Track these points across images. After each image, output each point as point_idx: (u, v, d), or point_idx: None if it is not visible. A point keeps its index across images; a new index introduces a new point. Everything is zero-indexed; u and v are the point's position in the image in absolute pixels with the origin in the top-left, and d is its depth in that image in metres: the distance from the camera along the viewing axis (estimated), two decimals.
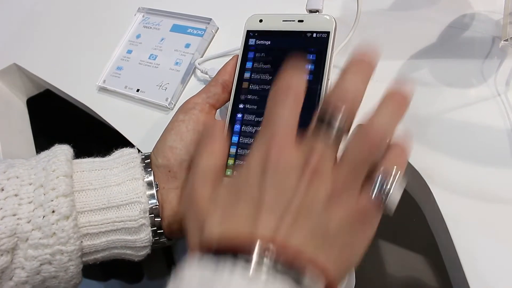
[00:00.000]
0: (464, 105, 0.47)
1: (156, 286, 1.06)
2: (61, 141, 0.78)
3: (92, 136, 0.79)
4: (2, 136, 0.67)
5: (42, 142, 0.75)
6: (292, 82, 0.33)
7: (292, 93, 0.32)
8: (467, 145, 0.45)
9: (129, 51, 0.61)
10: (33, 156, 0.72)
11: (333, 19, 0.41)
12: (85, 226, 0.37)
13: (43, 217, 0.35)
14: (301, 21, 0.42)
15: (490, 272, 0.39)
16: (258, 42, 0.43)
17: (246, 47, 0.44)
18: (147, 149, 0.52)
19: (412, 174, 0.45)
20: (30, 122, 0.75)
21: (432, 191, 0.43)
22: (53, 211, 0.35)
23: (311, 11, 0.43)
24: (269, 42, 0.43)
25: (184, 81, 0.56)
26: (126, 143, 0.55)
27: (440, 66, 0.49)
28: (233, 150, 0.41)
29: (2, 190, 0.36)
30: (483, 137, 0.45)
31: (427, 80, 0.49)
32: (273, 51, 0.42)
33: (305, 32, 0.41)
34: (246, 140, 0.41)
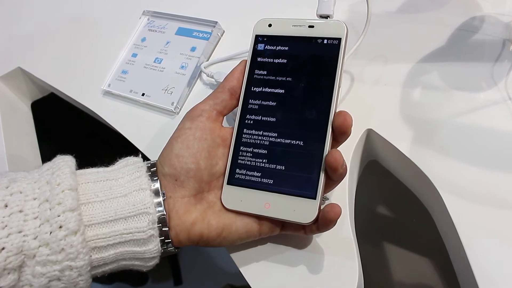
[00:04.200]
0: (474, 109, 0.46)
1: None
2: (65, 144, 0.78)
3: (97, 140, 0.79)
4: (7, 139, 0.67)
5: (47, 145, 0.75)
6: None
7: None
8: (477, 149, 0.44)
9: (134, 55, 0.61)
10: (38, 157, 0.73)
11: (344, 25, 0.40)
12: (93, 240, 0.36)
13: (50, 233, 0.34)
14: (312, 26, 0.41)
15: (500, 276, 0.39)
16: (267, 47, 0.43)
17: (255, 52, 0.43)
18: (153, 154, 0.52)
19: (420, 178, 0.45)
20: (34, 126, 0.74)
21: (441, 195, 0.42)
22: (61, 227, 0.34)
23: (321, 16, 0.42)
24: (278, 48, 0.42)
25: (190, 85, 0.56)
26: (131, 147, 0.55)
27: (449, 70, 0.49)
28: (242, 155, 0.40)
29: (6, 206, 0.34)
30: (493, 141, 0.44)
31: (437, 83, 0.48)
32: (283, 57, 0.42)
33: (316, 38, 0.41)
34: (255, 145, 0.40)
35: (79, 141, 0.77)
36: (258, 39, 0.43)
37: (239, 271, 0.43)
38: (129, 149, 0.54)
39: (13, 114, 0.72)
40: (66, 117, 0.77)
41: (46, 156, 0.72)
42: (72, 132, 0.79)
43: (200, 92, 0.56)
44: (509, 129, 0.44)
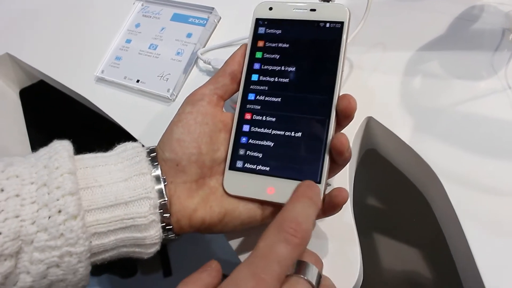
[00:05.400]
0: (474, 97, 0.46)
1: (150, 282, 1.05)
2: (55, 133, 0.76)
3: (88, 128, 0.77)
4: None
5: (36, 133, 0.73)
6: (304, 217, 0.32)
7: (301, 232, 0.30)
8: (477, 137, 0.44)
9: (128, 41, 0.59)
10: (27, 147, 0.71)
11: (347, 9, 0.39)
12: (93, 225, 0.35)
13: (49, 217, 0.33)
14: (314, 10, 0.41)
15: (503, 264, 0.39)
16: (268, 30, 0.42)
17: (255, 36, 0.42)
18: (149, 141, 0.51)
19: (421, 166, 0.45)
20: (23, 114, 0.73)
21: (442, 182, 0.42)
22: (60, 211, 0.33)
23: (323, 0, 0.42)
24: (279, 31, 0.41)
25: (186, 71, 0.55)
26: (125, 135, 0.54)
27: (449, 58, 0.48)
28: (244, 140, 0.40)
29: (2, 190, 0.33)
30: (493, 129, 0.44)
31: (437, 72, 0.48)
32: (284, 40, 0.41)
33: (318, 22, 0.40)
34: (257, 129, 0.40)
35: (70, 129, 0.76)
36: (259, 22, 0.43)
37: (231, 261, 0.42)
38: (123, 137, 0.53)
39: (0, 102, 0.70)
40: (56, 105, 0.75)
41: (36, 145, 0.70)
42: (62, 120, 0.77)
43: (196, 79, 0.55)
44: (509, 118, 0.44)
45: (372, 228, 0.77)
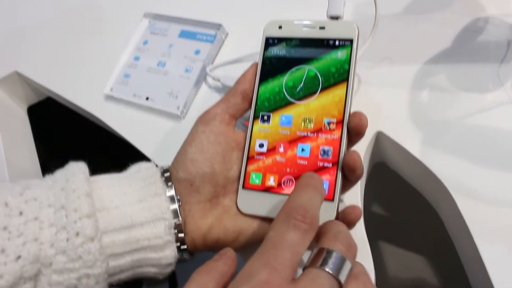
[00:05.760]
0: (481, 110, 0.47)
1: None
2: (64, 150, 0.77)
3: (97, 144, 0.77)
4: (5, 145, 0.65)
5: (44, 150, 0.73)
6: (311, 203, 0.31)
7: (309, 218, 0.30)
8: (486, 150, 0.44)
9: (137, 58, 0.60)
10: (36, 163, 0.72)
11: (356, 26, 0.40)
12: (109, 247, 0.35)
13: (67, 240, 0.33)
14: (323, 28, 0.41)
15: None
16: (278, 49, 0.42)
17: (266, 55, 0.43)
18: (159, 159, 0.52)
19: (430, 180, 0.45)
20: (31, 131, 0.73)
21: (453, 195, 0.43)
22: (77, 233, 0.33)
23: (332, 17, 0.42)
24: (289, 50, 0.42)
25: (196, 88, 0.55)
26: (134, 151, 0.54)
27: (456, 71, 0.49)
28: (256, 158, 0.40)
29: (21, 214, 0.34)
30: (502, 142, 0.44)
31: (444, 85, 0.48)
32: (294, 59, 0.42)
33: (328, 40, 0.41)
34: (269, 148, 0.40)
35: (78, 145, 0.76)
36: (269, 41, 0.43)
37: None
38: (132, 154, 0.54)
39: (9, 119, 0.71)
40: (63, 121, 0.76)
41: (44, 161, 0.71)
42: (71, 136, 0.78)
43: (205, 96, 0.55)
44: None
45: (379, 236, 0.77)
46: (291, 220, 0.30)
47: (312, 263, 0.29)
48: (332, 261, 0.29)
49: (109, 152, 0.76)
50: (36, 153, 0.72)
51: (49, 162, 0.73)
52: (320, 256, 0.29)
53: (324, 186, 0.37)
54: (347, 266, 0.29)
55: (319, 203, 0.32)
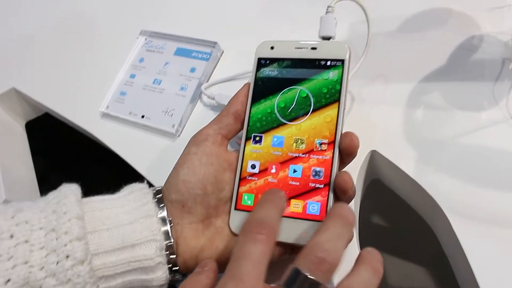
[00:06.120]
0: (476, 128, 0.46)
1: None
2: (61, 165, 0.77)
3: (93, 159, 0.78)
4: (2, 161, 0.66)
5: (43, 163, 0.74)
6: (266, 216, 0.33)
7: (265, 229, 0.32)
8: (481, 169, 0.44)
9: (133, 76, 0.60)
10: (33, 179, 0.72)
11: (347, 47, 0.40)
12: (100, 269, 0.35)
13: (57, 263, 0.33)
14: (314, 48, 0.41)
15: None
16: (270, 70, 0.42)
17: (258, 75, 0.43)
18: (154, 177, 0.52)
19: (425, 199, 0.45)
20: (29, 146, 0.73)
21: (446, 215, 0.43)
22: (67, 256, 0.33)
23: (324, 38, 0.42)
24: (281, 70, 0.42)
25: (191, 106, 0.55)
26: (130, 169, 0.54)
27: (450, 89, 0.49)
28: (249, 179, 0.40)
29: (12, 237, 0.34)
30: (496, 160, 0.44)
31: (439, 103, 0.48)
32: (286, 79, 0.42)
33: (319, 60, 0.41)
34: (261, 169, 0.40)
35: (75, 160, 0.76)
36: (261, 62, 0.43)
37: None
38: (128, 171, 0.54)
39: (7, 136, 0.71)
40: (62, 135, 0.76)
41: (43, 175, 0.71)
42: (69, 150, 0.78)
43: (201, 114, 0.56)
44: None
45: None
46: (248, 234, 0.32)
47: (282, 279, 0.31)
48: (290, 280, 0.30)
49: (107, 167, 0.76)
50: (33, 168, 0.72)
51: (48, 176, 0.73)
52: (287, 273, 0.31)
53: (316, 207, 0.37)
54: (305, 283, 0.30)
55: (276, 214, 0.34)
